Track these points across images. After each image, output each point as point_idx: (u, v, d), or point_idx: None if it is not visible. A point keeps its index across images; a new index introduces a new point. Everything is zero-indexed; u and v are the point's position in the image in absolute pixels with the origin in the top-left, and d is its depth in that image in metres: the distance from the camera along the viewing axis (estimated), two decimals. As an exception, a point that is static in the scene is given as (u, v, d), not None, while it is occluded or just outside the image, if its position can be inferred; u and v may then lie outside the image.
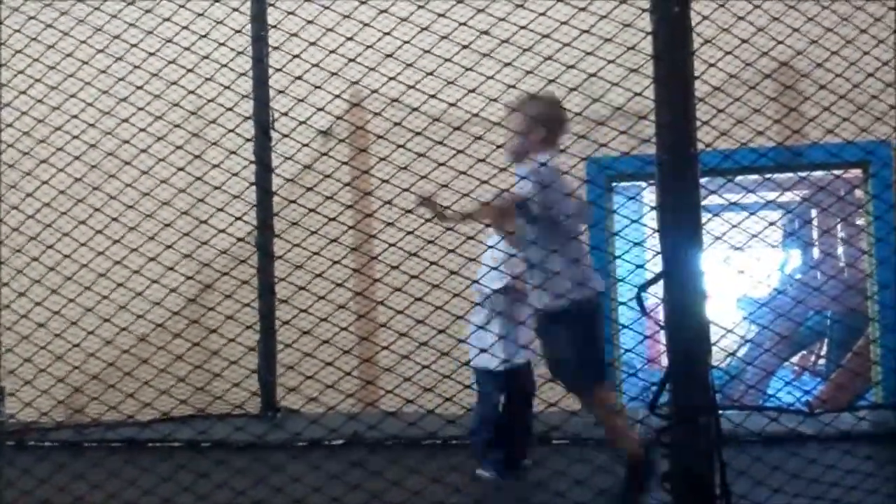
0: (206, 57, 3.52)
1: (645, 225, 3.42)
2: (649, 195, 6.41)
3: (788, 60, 4.87)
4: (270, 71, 5.13)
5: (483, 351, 3.27)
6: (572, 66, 3.17)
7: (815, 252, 8.73)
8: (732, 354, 5.65)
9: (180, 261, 3.58)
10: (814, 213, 7.83)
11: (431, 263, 2.94)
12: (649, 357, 5.75)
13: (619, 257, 3.09)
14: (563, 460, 3.27)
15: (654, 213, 2.54)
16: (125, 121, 3.52)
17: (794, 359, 8.81)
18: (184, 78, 3.56)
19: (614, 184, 5.59)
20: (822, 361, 8.67)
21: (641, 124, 2.87)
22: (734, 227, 3.06)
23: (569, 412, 3.14)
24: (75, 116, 3.53)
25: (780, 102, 4.78)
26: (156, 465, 3.75)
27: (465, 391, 3.09)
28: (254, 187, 4.76)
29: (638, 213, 5.07)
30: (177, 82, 3.58)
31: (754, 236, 3.22)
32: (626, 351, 3.19)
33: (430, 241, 3.08)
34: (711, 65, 2.99)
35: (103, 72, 3.59)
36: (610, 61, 3.03)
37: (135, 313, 3.59)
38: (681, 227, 2.48)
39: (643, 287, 2.55)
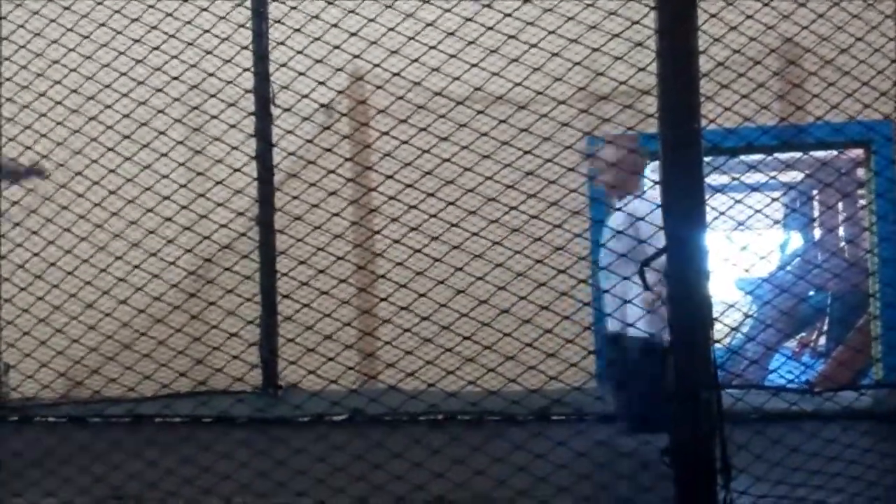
0: (208, 31, 3.50)
1: (647, 200, 3.41)
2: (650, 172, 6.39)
3: (792, 37, 4.84)
4: (271, 45, 5.11)
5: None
6: (574, 41, 3.16)
7: (817, 231, 8.73)
8: (735, 329, 5.66)
9: (180, 234, 3.58)
10: (815, 191, 7.82)
11: (433, 238, 2.94)
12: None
13: (621, 232, 3.09)
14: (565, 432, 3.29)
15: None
16: (125, 95, 3.50)
17: (796, 339, 8.82)
18: (184, 53, 3.54)
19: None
20: (822, 340, 8.69)
21: (643, 102, 2.85)
22: (737, 202, 3.05)
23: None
24: (75, 91, 3.51)
25: (786, 79, 4.76)
26: (157, 438, 3.77)
27: (468, 364, 3.09)
28: (254, 162, 4.75)
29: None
30: (177, 56, 3.56)
31: (758, 212, 3.21)
32: (628, 325, 3.18)
33: (431, 216, 3.08)
34: (716, 39, 2.97)
35: (104, 45, 3.57)
36: (614, 35, 3.02)
37: (135, 286, 3.59)
38: (684, 202, 2.47)
39: (646, 262, 2.55)
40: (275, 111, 4.85)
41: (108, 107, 3.51)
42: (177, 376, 3.55)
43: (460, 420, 4.08)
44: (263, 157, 4.96)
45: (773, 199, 3.66)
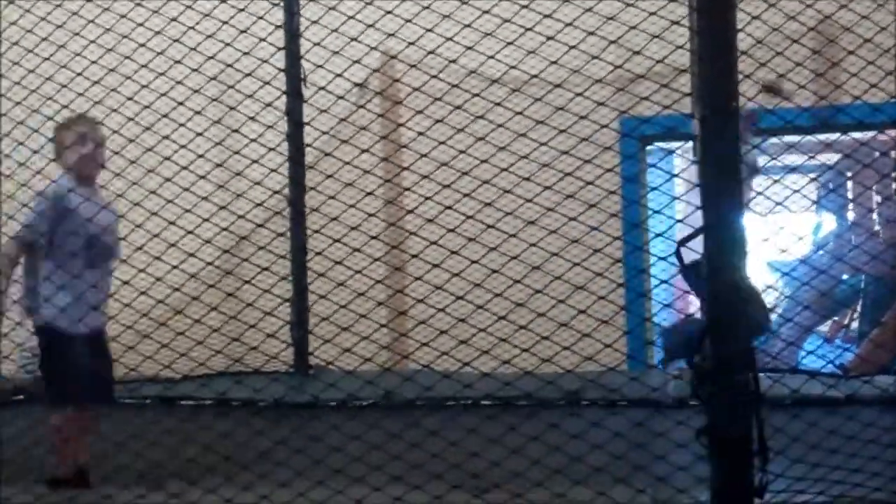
0: (242, 10, 3.50)
1: (686, 179, 3.37)
2: (683, 154, 6.33)
3: (830, 15, 4.77)
4: (303, 26, 5.11)
5: None
6: (611, 19, 3.13)
7: (850, 214, 8.61)
8: (770, 311, 5.61)
9: (214, 213, 3.60)
10: (851, 172, 7.70)
11: (467, 217, 2.93)
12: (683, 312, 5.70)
13: (657, 212, 3.07)
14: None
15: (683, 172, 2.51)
16: (162, 74, 3.51)
17: (827, 324, 8.73)
18: (216, 34, 3.55)
19: (653, 145, 5.54)
20: (854, 325, 8.59)
21: (675, 83, 2.82)
22: (776, 181, 3.02)
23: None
24: (112, 70, 3.52)
25: (825, 57, 4.68)
26: (189, 419, 3.81)
27: (501, 345, 3.08)
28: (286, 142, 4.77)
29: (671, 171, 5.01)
30: (211, 36, 3.57)
31: (796, 192, 3.17)
32: (665, 306, 3.16)
33: (465, 195, 3.07)
34: (755, 17, 2.93)
35: (141, 24, 3.58)
36: (652, 13, 2.98)
37: (171, 263, 3.61)
38: (721, 181, 2.45)
39: (682, 242, 2.52)
40: (306, 91, 4.85)
41: (144, 86, 3.52)
42: (210, 355, 3.58)
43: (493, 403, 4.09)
44: (294, 138, 4.98)
45: (811, 180, 3.61)
